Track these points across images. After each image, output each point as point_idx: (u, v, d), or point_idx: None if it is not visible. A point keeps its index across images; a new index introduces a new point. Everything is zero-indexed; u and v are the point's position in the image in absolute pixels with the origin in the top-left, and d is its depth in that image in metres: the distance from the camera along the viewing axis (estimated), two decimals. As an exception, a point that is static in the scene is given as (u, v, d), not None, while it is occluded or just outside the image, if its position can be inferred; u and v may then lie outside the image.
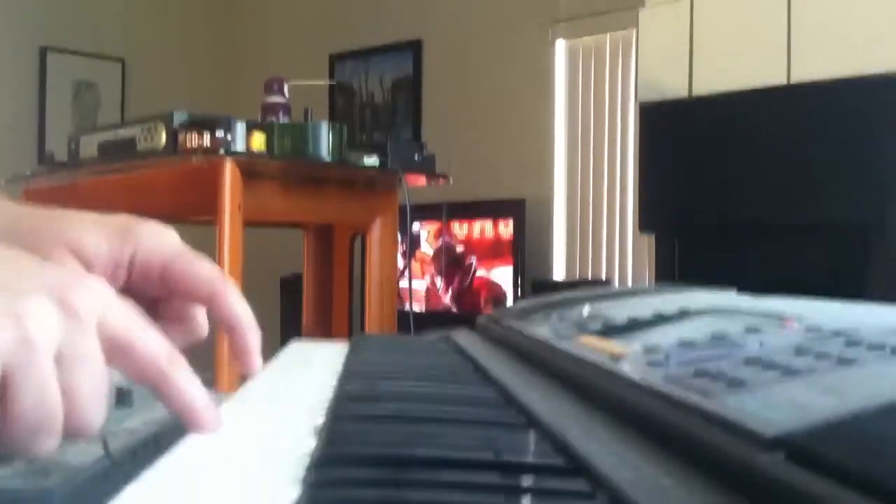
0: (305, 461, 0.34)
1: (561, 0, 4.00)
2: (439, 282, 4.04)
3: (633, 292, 0.79)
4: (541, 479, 0.31)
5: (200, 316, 0.48)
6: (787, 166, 2.49)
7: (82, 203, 2.35)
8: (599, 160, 3.90)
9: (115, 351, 0.37)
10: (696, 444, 0.32)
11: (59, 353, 0.35)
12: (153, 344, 0.39)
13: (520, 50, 4.13)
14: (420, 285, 4.06)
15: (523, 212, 3.85)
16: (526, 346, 0.62)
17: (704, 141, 2.69)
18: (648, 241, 3.18)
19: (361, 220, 2.66)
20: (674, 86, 2.72)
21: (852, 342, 0.40)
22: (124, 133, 2.43)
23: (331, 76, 4.85)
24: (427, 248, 4.09)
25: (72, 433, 0.36)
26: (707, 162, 2.67)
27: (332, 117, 4.66)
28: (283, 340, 0.81)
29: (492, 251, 3.92)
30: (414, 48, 4.60)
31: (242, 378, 0.50)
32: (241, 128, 2.28)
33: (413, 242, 3.79)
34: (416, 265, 4.03)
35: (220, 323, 0.46)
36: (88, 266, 0.45)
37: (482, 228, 3.96)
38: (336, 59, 4.91)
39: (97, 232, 0.45)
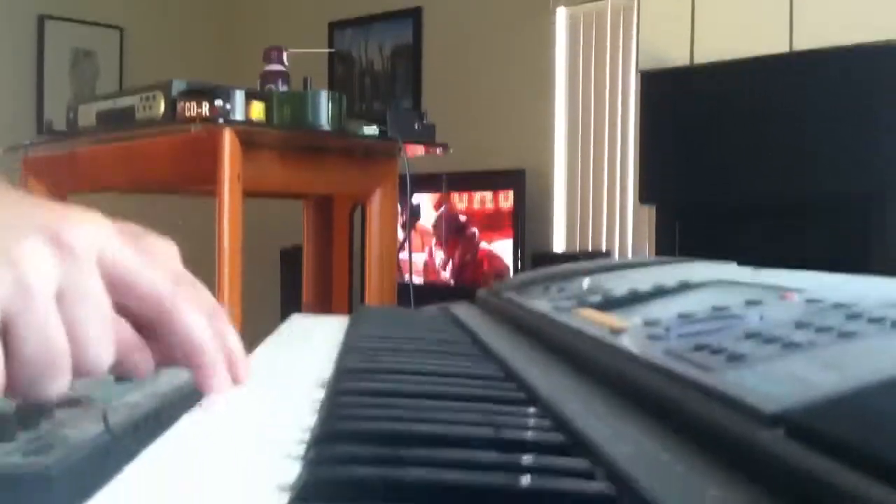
0: (306, 437, 0.34)
1: (562, -33, 3.96)
2: (441, 254, 4.03)
3: (633, 265, 0.79)
4: (540, 456, 0.31)
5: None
6: (788, 135, 2.48)
7: (81, 172, 2.33)
8: (600, 130, 3.88)
9: (117, 286, 0.37)
10: (695, 419, 0.32)
11: (59, 293, 0.35)
12: (154, 279, 0.38)
13: (520, 17, 4.09)
14: (420, 257, 4.05)
15: (523, 183, 3.84)
16: (526, 320, 0.62)
17: (706, 109, 2.67)
18: (649, 213, 3.17)
19: (361, 190, 2.65)
20: (675, 54, 2.70)
21: (853, 315, 0.40)
22: (123, 102, 2.41)
23: (330, 44, 4.81)
24: (428, 218, 4.08)
25: (82, 372, 0.36)
26: (708, 131, 2.66)
27: (332, 86, 4.64)
28: (284, 311, 0.81)
29: (492, 223, 3.91)
30: (414, 16, 4.57)
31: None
32: (240, 97, 2.27)
33: (413, 213, 3.79)
34: (416, 237, 4.03)
35: (173, 348, 0.41)
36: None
37: (482, 200, 3.95)
38: (335, 27, 4.88)
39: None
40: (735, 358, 0.36)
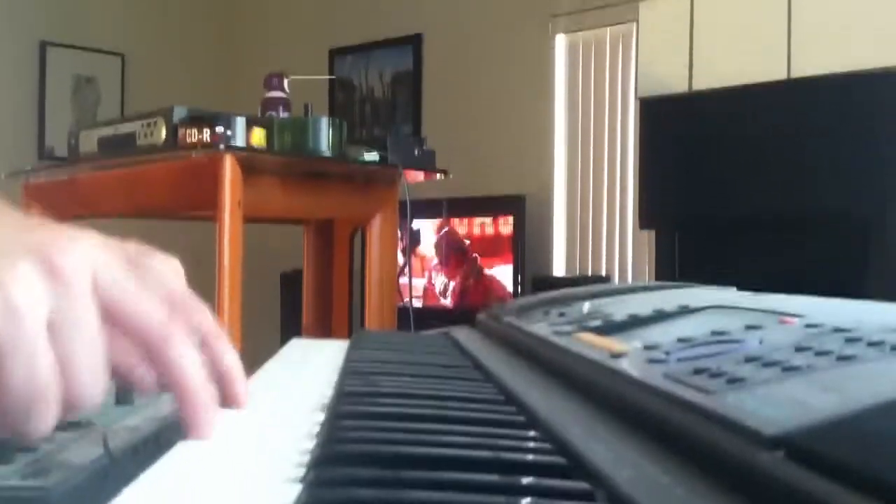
0: (305, 460, 0.34)
1: (561, -6, 3.99)
2: (442, 278, 4.03)
3: (632, 289, 0.79)
4: (540, 478, 0.31)
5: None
6: (787, 162, 2.48)
7: (82, 198, 2.34)
8: (599, 156, 3.90)
9: (109, 317, 0.35)
10: (695, 442, 0.32)
11: (50, 321, 0.33)
12: (148, 309, 0.37)
13: (520, 44, 4.12)
14: (420, 282, 4.05)
15: (523, 208, 3.85)
16: (526, 344, 0.62)
17: (704, 136, 2.68)
18: (648, 238, 3.18)
19: (361, 215, 2.65)
20: (674, 80, 2.71)
21: (852, 339, 0.40)
22: (124, 128, 2.42)
23: (330, 71, 4.84)
24: (428, 243, 4.09)
25: (71, 407, 0.34)
26: (707, 157, 2.66)
27: (332, 112, 4.66)
28: (283, 335, 0.81)
29: (492, 248, 3.91)
30: (414, 43, 4.59)
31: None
32: (240, 123, 2.28)
33: (413, 238, 3.79)
34: (415, 261, 4.03)
35: (210, 371, 0.41)
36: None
37: (482, 225, 3.95)
38: (336, 54, 4.91)
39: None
40: (735, 381, 0.36)
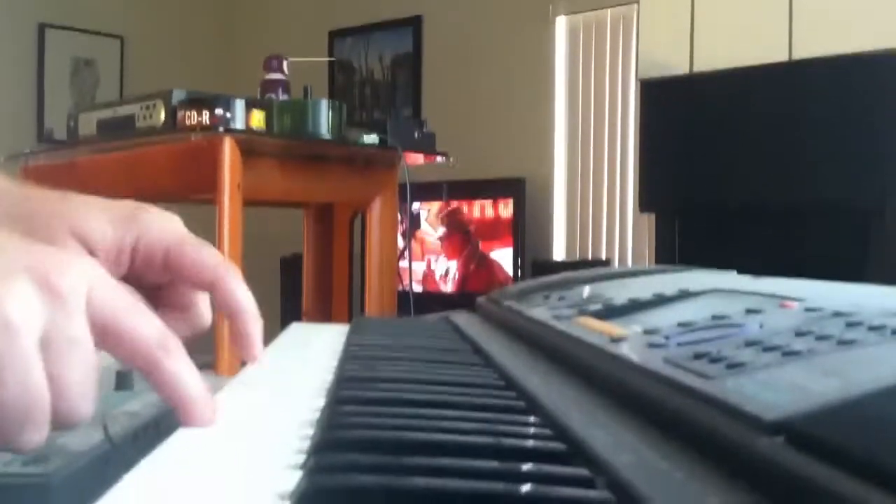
0: (305, 446, 0.34)
1: (561, -24, 3.97)
2: (443, 261, 4.02)
3: (632, 273, 0.79)
4: (540, 464, 0.31)
5: (203, 305, 0.46)
6: (788, 145, 2.48)
7: (82, 181, 2.34)
8: (600, 138, 3.89)
9: (103, 334, 0.36)
10: (695, 427, 0.32)
11: (44, 338, 0.33)
12: (143, 326, 0.37)
13: (520, 27, 4.10)
14: (420, 266, 4.05)
15: (523, 191, 3.84)
16: (526, 328, 0.62)
17: (705, 118, 2.67)
18: (649, 221, 3.17)
19: (361, 198, 2.65)
20: (675, 62, 2.70)
21: (853, 323, 0.40)
22: (123, 111, 2.42)
23: (330, 53, 4.82)
24: (428, 227, 4.08)
25: (60, 424, 0.35)
26: (708, 140, 2.66)
27: (332, 95, 4.64)
28: (283, 320, 0.81)
29: (492, 231, 3.91)
30: (414, 24, 4.58)
31: (242, 362, 0.50)
32: (240, 105, 2.27)
33: (413, 221, 3.79)
34: (415, 245, 4.02)
35: (222, 310, 0.45)
36: (92, 251, 0.43)
37: (482, 208, 3.95)
38: (335, 36, 4.89)
39: (102, 217, 0.44)
40: (735, 366, 0.36)
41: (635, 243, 3.75)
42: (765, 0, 2.56)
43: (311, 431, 0.36)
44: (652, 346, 0.44)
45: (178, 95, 2.29)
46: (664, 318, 0.51)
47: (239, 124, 2.26)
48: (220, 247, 2.12)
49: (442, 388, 0.45)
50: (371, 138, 2.49)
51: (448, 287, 4.01)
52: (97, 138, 2.50)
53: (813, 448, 0.26)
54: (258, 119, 2.31)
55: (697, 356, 0.39)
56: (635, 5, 3.10)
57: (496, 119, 4.15)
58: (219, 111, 2.21)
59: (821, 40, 2.42)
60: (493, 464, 0.31)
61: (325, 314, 2.75)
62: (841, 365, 0.34)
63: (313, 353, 0.64)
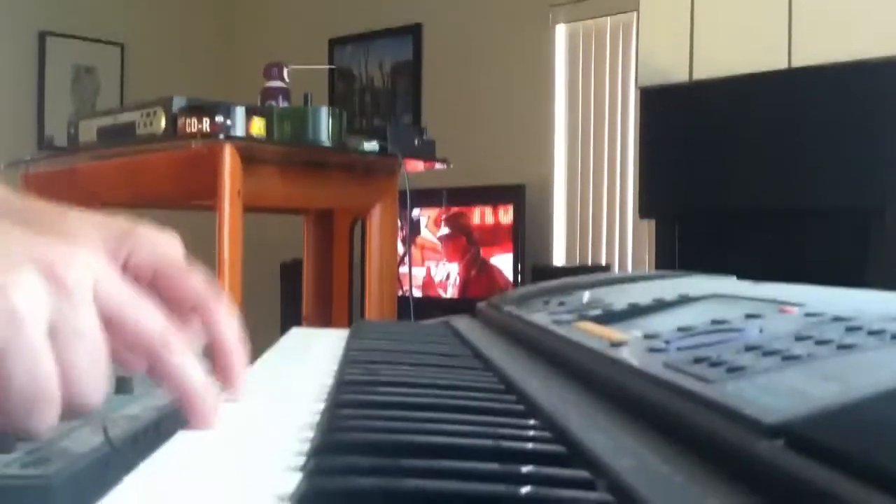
0: (305, 449, 0.34)
1: (561, -16, 3.98)
2: (443, 266, 4.02)
3: (632, 278, 0.79)
4: (541, 467, 0.31)
5: (195, 326, 0.45)
6: (787, 151, 2.48)
7: (82, 188, 2.33)
8: (600, 145, 3.89)
9: (110, 324, 0.36)
10: (695, 431, 0.32)
11: (52, 328, 0.34)
12: (148, 319, 0.37)
13: (520, 34, 4.11)
14: (420, 271, 4.05)
15: (523, 197, 3.85)
16: (526, 333, 0.62)
17: (705, 125, 2.68)
18: (649, 227, 3.17)
19: (361, 205, 2.65)
20: (675, 70, 2.71)
21: (852, 328, 0.40)
22: (124, 118, 2.42)
23: (330, 61, 4.83)
24: (428, 233, 4.08)
25: (71, 411, 0.35)
26: (707, 147, 2.66)
27: (332, 102, 4.65)
28: (283, 325, 0.81)
29: (492, 237, 3.91)
30: (414, 32, 4.58)
31: None
32: (240, 113, 2.28)
33: (413, 228, 3.79)
34: (415, 251, 4.02)
35: (206, 338, 0.44)
36: None
37: (482, 214, 3.95)
38: (335, 44, 4.90)
39: (93, 232, 0.44)
40: (735, 370, 0.36)
41: (635, 249, 3.75)
42: (764, 7, 2.57)
43: (311, 434, 0.36)
44: (652, 350, 0.44)
45: (178, 103, 2.29)
46: (664, 322, 0.51)
47: (239, 131, 2.26)
48: (220, 253, 2.12)
49: (442, 391, 0.45)
50: (371, 145, 2.49)
51: (448, 293, 4.01)
52: (98, 145, 2.50)
53: (813, 451, 0.26)
54: (258, 126, 2.32)
55: (697, 360, 0.39)
56: (635, 13, 3.10)
57: (496, 126, 4.16)
58: (219, 118, 2.22)
59: (820, 47, 2.42)
60: (493, 466, 0.31)
61: (325, 320, 2.75)
62: (840, 369, 0.34)
63: (313, 357, 0.64)
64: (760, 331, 0.43)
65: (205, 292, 0.44)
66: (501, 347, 0.62)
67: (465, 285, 3.96)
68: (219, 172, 2.16)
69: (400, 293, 2.82)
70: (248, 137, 2.28)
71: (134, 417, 0.43)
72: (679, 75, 2.71)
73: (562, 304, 0.68)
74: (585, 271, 3.40)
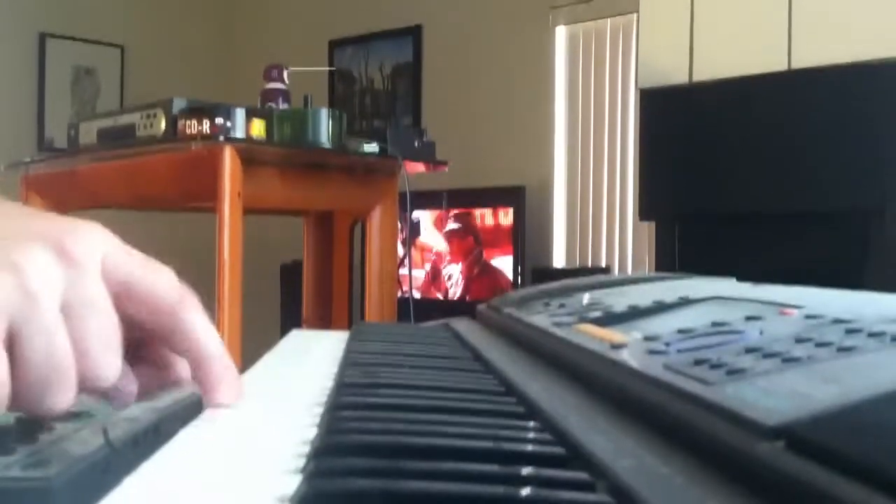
0: (305, 451, 0.34)
1: (561, -15, 3.99)
2: (446, 266, 4.01)
3: (632, 280, 0.79)
4: (541, 469, 0.31)
5: (181, 366, 0.43)
6: (787, 153, 2.48)
7: (82, 189, 2.34)
8: (599, 147, 3.89)
9: (123, 295, 0.36)
10: (696, 433, 0.32)
11: (64, 302, 0.34)
12: (162, 282, 0.38)
13: (520, 36, 4.11)
14: (420, 273, 4.05)
15: (523, 199, 3.85)
16: (526, 335, 0.62)
17: (705, 127, 2.68)
18: (649, 229, 3.18)
19: (361, 206, 2.65)
20: (675, 71, 2.71)
21: (853, 330, 0.40)
22: (124, 119, 2.42)
23: (330, 62, 4.83)
24: (433, 234, 4.08)
25: (87, 384, 0.35)
26: (707, 148, 2.66)
27: (332, 104, 4.65)
28: (283, 326, 0.81)
29: (492, 239, 3.91)
30: (414, 34, 4.59)
31: (241, 368, 0.49)
32: (240, 114, 2.28)
33: (413, 230, 3.79)
34: (415, 253, 4.02)
35: (181, 352, 0.41)
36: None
37: (482, 216, 3.95)
38: (336, 45, 4.90)
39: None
40: (735, 372, 0.36)
41: (635, 251, 3.75)
42: (764, 9, 2.57)
43: (311, 436, 0.36)
44: (652, 352, 0.44)
45: (178, 104, 2.29)
46: (664, 325, 0.51)
47: (239, 133, 2.26)
48: (220, 254, 2.12)
49: (442, 394, 0.45)
50: (371, 147, 2.49)
51: (449, 294, 4.01)
52: (98, 147, 2.50)
53: (813, 453, 0.26)
54: (258, 128, 2.32)
55: (697, 362, 0.39)
56: (635, 14, 3.11)
57: (496, 127, 4.16)
58: (219, 120, 2.22)
59: (820, 49, 2.42)
60: (493, 467, 0.31)
61: (325, 321, 2.75)
62: (841, 371, 0.34)
63: (313, 359, 0.64)
64: (760, 333, 0.43)
65: (178, 297, 0.41)
66: (502, 349, 0.62)
67: (466, 286, 3.95)
68: (219, 174, 2.17)
69: (400, 294, 2.82)
70: (248, 139, 2.28)
71: (134, 419, 0.43)
72: (679, 77, 2.71)
73: (562, 306, 0.68)
74: (585, 274, 3.40)
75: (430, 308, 3.39)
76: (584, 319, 0.58)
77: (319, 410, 0.41)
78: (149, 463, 0.33)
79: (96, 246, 0.36)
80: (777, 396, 0.32)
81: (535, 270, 3.76)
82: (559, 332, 0.56)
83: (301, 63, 2.87)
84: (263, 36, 5.12)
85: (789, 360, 0.36)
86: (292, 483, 0.30)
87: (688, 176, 2.69)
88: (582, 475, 0.31)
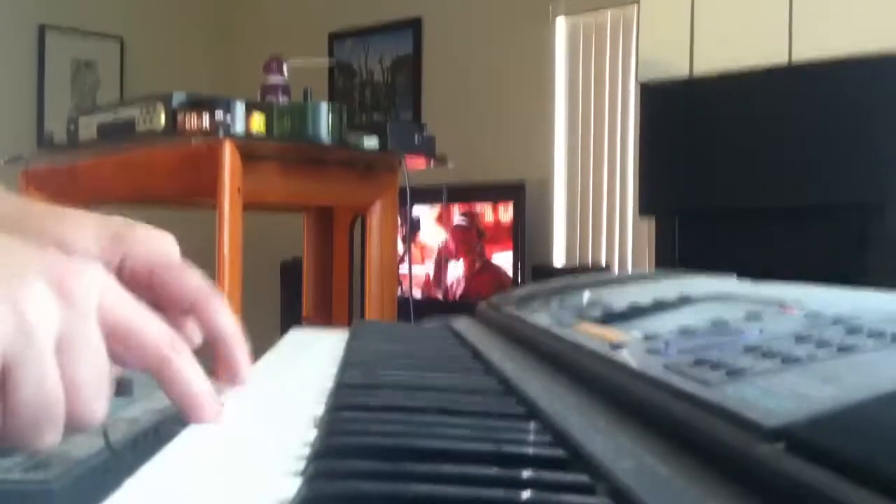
0: (305, 452, 0.34)
1: (561, -22, 3.98)
2: (451, 264, 4.00)
3: (632, 278, 0.79)
4: (541, 470, 0.31)
5: (191, 328, 0.46)
6: (788, 146, 2.48)
7: (82, 184, 2.33)
8: (600, 141, 3.89)
9: (115, 337, 0.37)
10: (695, 433, 0.32)
11: (58, 341, 0.34)
12: (153, 329, 0.38)
13: (520, 29, 4.11)
14: (421, 269, 4.05)
15: (523, 195, 3.84)
16: (526, 334, 0.62)
17: (705, 121, 2.68)
18: (648, 226, 3.17)
19: (361, 202, 2.65)
20: (675, 65, 2.70)
21: (853, 330, 0.40)
22: (123, 114, 2.42)
23: (330, 55, 4.83)
24: (427, 231, 4.08)
25: (74, 425, 0.36)
26: (708, 142, 2.66)
27: (332, 97, 4.65)
28: (283, 323, 0.81)
29: (492, 235, 3.91)
30: (414, 27, 4.58)
31: None
32: (240, 108, 2.27)
33: (413, 226, 3.78)
34: (415, 250, 4.02)
35: (206, 335, 0.44)
36: None
37: (482, 212, 3.95)
38: (335, 39, 4.89)
39: (88, 234, 0.44)
40: (735, 372, 0.36)
41: (635, 247, 3.75)
42: (765, 3, 2.57)
43: (311, 438, 0.36)
44: (652, 352, 0.44)
45: (178, 98, 2.29)
46: (664, 324, 0.51)
47: (239, 128, 2.26)
48: (220, 251, 2.12)
49: (442, 394, 0.45)
50: (371, 142, 2.49)
51: (450, 291, 4.00)
52: (97, 142, 2.50)
53: (813, 454, 0.26)
54: (258, 122, 2.31)
55: (698, 362, 0.39)
56: (635, 7, 3.10)
57: (496, 122, 4.15)
58: (219, 115, 2.21)
59: (821, 43, 2.42)
60: (493, 470, 0.31)
61: (325, 318, 2.75)
62: (841, 371, 0.34)
63: (313, 359, 0.64)
64: (761, 332, 0.43)
65: (202, 290, 0.44)
66: (501, 349, 0.62)
67: (467, 282, 3.95)
68: (219, 169, 2.16)
69: (399, 293, 2.82)
70: (248, 134, 2.28)
71: (134, 421, 0.43)
72: (679, 70, 2.71)
73: (562, 304, 0.68)
74: (585, 272, 3.40)
75: (430, 305, 3.39)
76: (584, 318, 0.58)
77: (319, 412, 0.41)
78: (148, 465, 0.33)
79: (94, 286, 0.36)
80: (777, 397, 0.32)
81: (536, 268, 3.76)
82: (559, 331, 0.56)
83: (300, 56, 2.87)
84: (263, 29, 5.12)
85: (789, 360, 0.36)
86: (292, 486, 0.30)
87: (688, 170, 2.69)
88: (582, 478, 0.31)
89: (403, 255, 3.17)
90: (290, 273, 3.79)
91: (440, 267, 4.03)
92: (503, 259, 3.85)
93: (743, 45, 2.58)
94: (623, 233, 3.81)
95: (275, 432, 0.39)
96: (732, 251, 2.51)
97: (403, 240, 3.28)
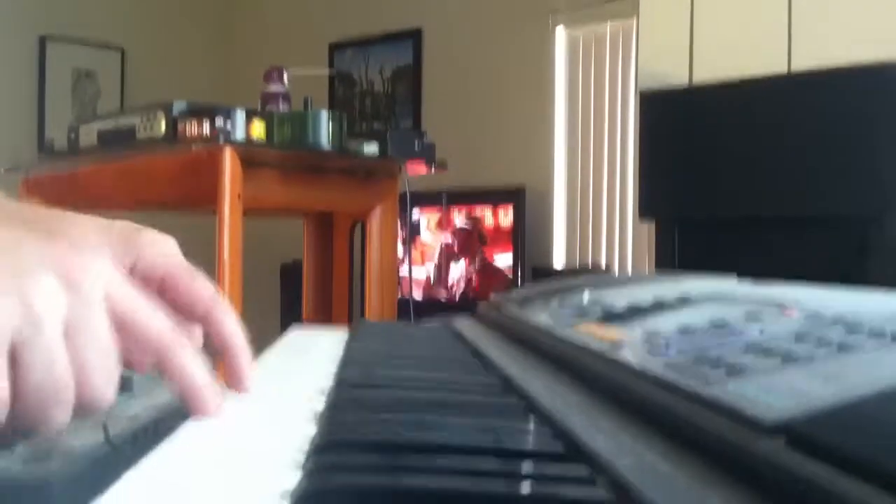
0: (305, 447, 0.34)
1: (561, -12, 3.99)
2: (452, 265, 4.00)
3: (632, 279, 0.79)
4: (541, 466, 0.31)
5: (194, 330, 0.46)
6: (787, 155, 2.48)
7: (83, 192, 2.33)
8: (599, 148, 3.89)
9: (120, 327, 0.38)
10: (696, 430, 0.32)
11: (66, 328, 0.35)
12: (158, 322, 0.39)
13: (520, 38, 4.11)
14: (421, 271, 4.05)
15: (523, 199, 3.85)
16: (526, 334, 0.62)
17: (704, 129, 2.68)
18: (648, 230, 3.18)
19: (361, 208, 2.65)
20: (674, 74, 2.71)
21: (852, 329, 0.40)
22: (124, 122, 2.42)
23: (330, 65, 4.84)
24: (427, 235, 4.08)
25: (83, 409, 0.37)
26: (707, 150, 2.66)
27: (332, 106, 4.65)
28: (283, 328, 0.81)
29: (492, 239, 3.91)
30: (414, 37, 4.59)
31: None
32: (240, 116, 2.28)
33: (413, 230, 3.79)
34: (415, 254, 4.02)
35: (212, 342, 0.45)
36: None
37: (482, 216, 3.95)
38: (336, 48, 4.90)
39: (98, 238, 0.45)
40: (735, 370, 0.36)
41: (635, 251, 3.75)
42: (764, 12, 2.58)
43: (311, 433, 0.36)
44: (653, 351, 0.44)
45: (178, 107, 2.30)
46: (665, 323, 0.51)
47: (239, 135, 2.26)
48: (220, 256, 2.12)
49: (441, 391, 0.45)
50: (371, 149, 2.49)
51: (450, 294, 4.00)
52: (98, 149, 2.50)
53: (813, 450, 0.26)
54: (258, 130, 2.32)
55: (698, 361, 0.39)
56: (635, 18, 3.11)
57: (496, 131, 4.16)
58: (219, 122, 2.22)
59: (820, 51, 2.43)
60: (493, 463, 0.31)
61: (325, 322, 2.75)
62: (841, 369, 0.34)
63: (313, 356, 0.64)
64: (761, 331, 0.43)
65: (212, 297, 0.45)
66: (502, 348, 0.62)
67: (468, 286, 3.95)
68: (219, 176, 2.17)
69: (400, 295, 2.82)
70: (249, 141, 2.28)
71: (134, 416, 0.43)
72: (679, 79, 2.71)
73: (562, 304, 0.68)
74: (585, 274, 3.39)
75: (430, 308, 3.39)
76: (584, 318, 0.58)
77: (320, 407, 0.41)
78: (148, 459, 0.33)
79: (102, 277, 0.37)
80: (777, 394, 0.32)
81: (535, 271, 3.76)
82: (560, 330, 0.56)
83: (301, 65, 2.87)
84: (263, 38, 5.13)
85: (789, 359, 0.36)
86: (293, 479, 0.30)
87: (687, 178, 2.69)
88: (582, 472, 0.31)
89: (403, 257, 3.17)
90: (290, 275, 3.79)
91: (441, 269, 4.03)
92: (503, 262, 3.86)
93: (742, 53, 2.58)
94: (623, 238, 3.81)
95: (275, 427, 0.39)
96: (732, 259, 2.51)
97: (403, 242, 3.28)
